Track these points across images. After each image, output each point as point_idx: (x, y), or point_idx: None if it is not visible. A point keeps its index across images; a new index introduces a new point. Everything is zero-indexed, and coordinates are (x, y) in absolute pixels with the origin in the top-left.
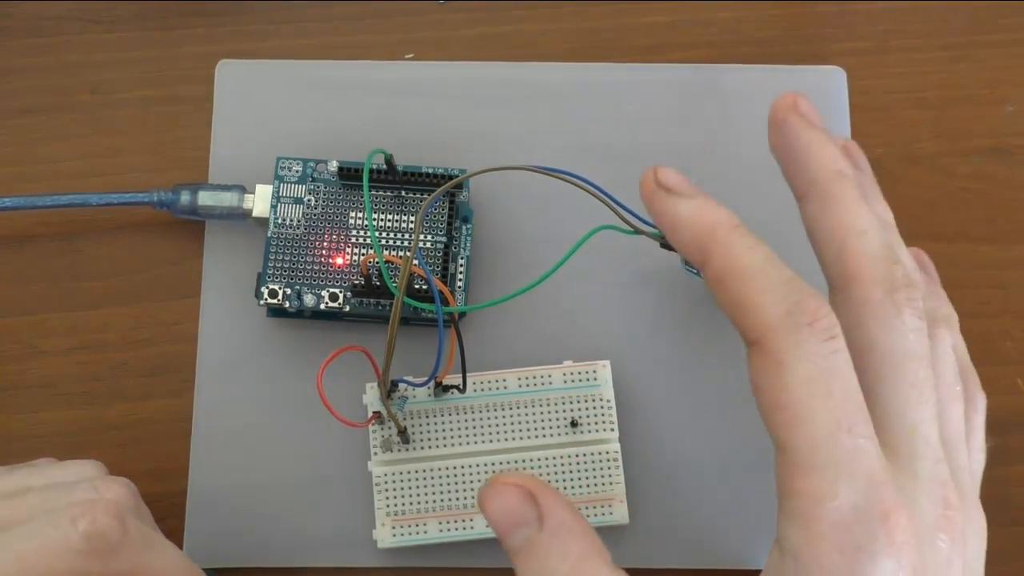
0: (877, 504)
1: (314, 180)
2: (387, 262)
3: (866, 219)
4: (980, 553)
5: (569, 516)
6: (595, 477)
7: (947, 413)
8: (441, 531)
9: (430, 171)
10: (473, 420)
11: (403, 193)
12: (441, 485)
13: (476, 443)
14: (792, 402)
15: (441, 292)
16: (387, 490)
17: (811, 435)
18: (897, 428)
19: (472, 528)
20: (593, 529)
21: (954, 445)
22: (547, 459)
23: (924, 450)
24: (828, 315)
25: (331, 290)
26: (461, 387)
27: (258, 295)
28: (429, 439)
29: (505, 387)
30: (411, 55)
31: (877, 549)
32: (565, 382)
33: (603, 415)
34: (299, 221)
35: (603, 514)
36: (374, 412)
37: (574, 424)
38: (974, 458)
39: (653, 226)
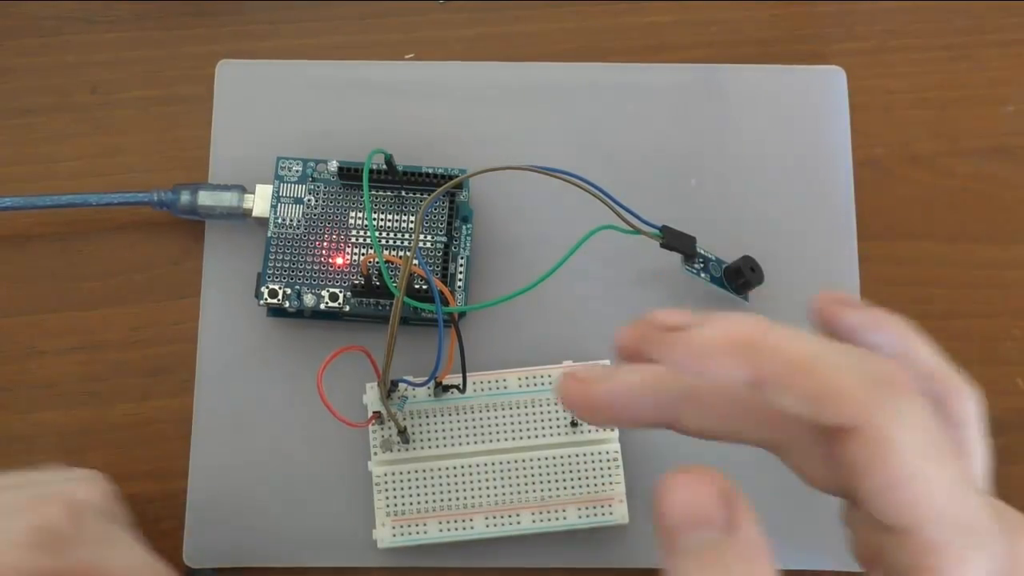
0: (1016, 563)
1: (314, 180)
2: (387, 262)
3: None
4: None
5: (760, 534)
6: (595, 477)
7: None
8: (441, 531)
9: (430, 171)
10: (473, 420)
11: (403, 193)
12: (441, 485)
13: (476, 443)
14: (909, 478)
15: (441, 292)
16: (387, 490)
17: (937, 507)
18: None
19: (472, 528)
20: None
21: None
22: (547, 459)
23: (983, 523)
24: (901, 370)
25: (331, 290)
26: (461, 387)
27: (258, 295)
28: (429, 439)
29: (505, 387)
30: (411, 55)
31: None
32: None
33: None
34: (299, 221)
35: (603, 514)
36: (374, 412)
37: (574, 424)
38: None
39: (653, 226)
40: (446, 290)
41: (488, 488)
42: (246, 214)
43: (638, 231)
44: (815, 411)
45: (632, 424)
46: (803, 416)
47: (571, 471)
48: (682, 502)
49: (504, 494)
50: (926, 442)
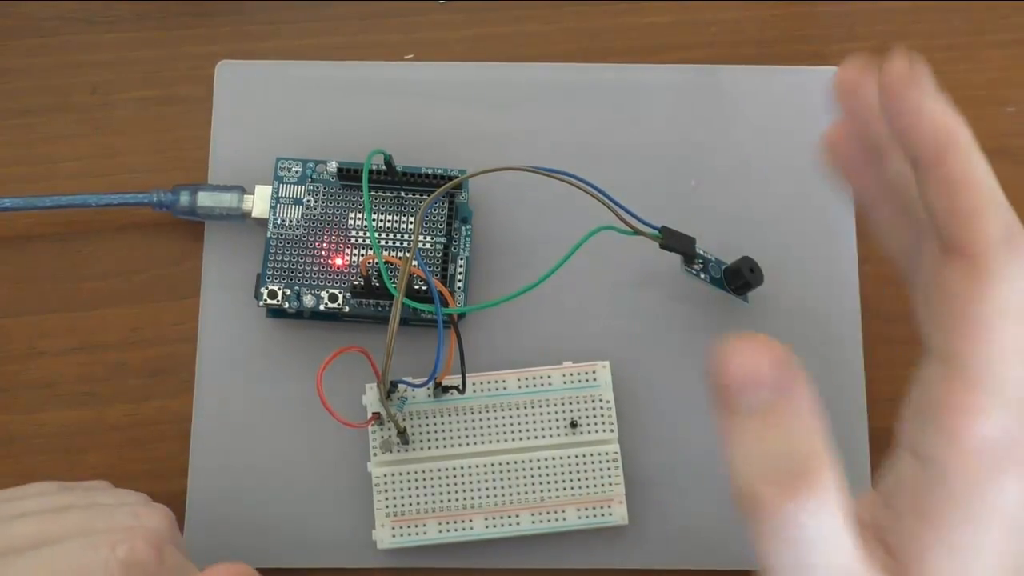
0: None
1: (313, 181)
2: (386, 263)
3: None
4: None
5: (813, 396)
6: (595, 477)
7: None
8: (441, 532)
9: (429, 172)
10: (473, 421)
11: (402, 194)
12: (441, 486)
13: (476, 444)
14: (985, 316)
15: (440, 293)
16: (387, 491)
17: (991, 354)
18: None
19: (472, 529)
20: None
21: None
22: (547, 460)
23: None
24: None
25: (330, 291)
26: (461, 388)
27: (258, 296)
28: (429, 440)
29: (505, 388)
30: (411, 55)
31: (1017, 471)
32: (565, 383)
33: (603, 416)
34: (298, 222)
35: (603, 514)
36: (374, 413)
37: (574, 425)
38: None
39: (653, 227)
40: (445, 291)
41: (488, 489)
42: (245, 215)
43: (638, 232)
44: (949, 222)
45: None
46: (936, 215)
47: (571, 472)
48: (741, 365)
49: (504, 495)
50: (1017, 303)
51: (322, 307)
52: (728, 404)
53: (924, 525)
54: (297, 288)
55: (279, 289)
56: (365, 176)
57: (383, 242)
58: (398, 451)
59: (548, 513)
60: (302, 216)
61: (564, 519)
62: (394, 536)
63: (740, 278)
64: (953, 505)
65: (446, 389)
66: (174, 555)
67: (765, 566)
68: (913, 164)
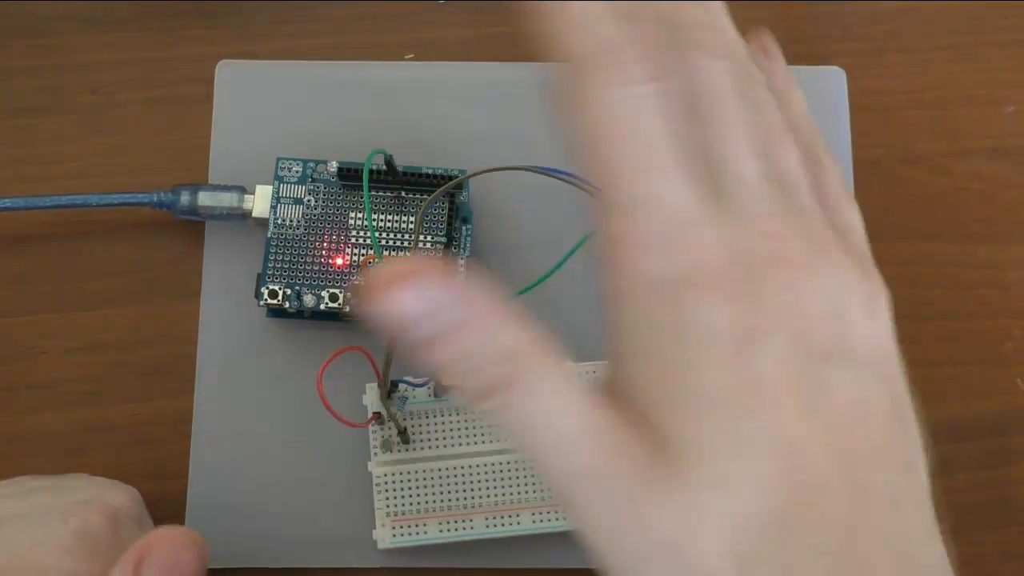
0: (682, 244)
1: (314, 181)
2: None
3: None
4: (880, 314)
5: (487, 295)
6: None
7: (772, 153)
8: (441, 531)
9: (430, 171)
10: (473, 420)
11: (403, 193)
12: (441, 485)
13: (476, 443)
14: (598, 141)
15: None
16: (387, 490)
17: (621, 173)
18: (713, 171)
19: (472, 529)
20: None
21: (790, 187)
22: None
23: (736, 187)
24: (639, 60)
25: (331, 290)
26: None
27: (258, 295)
28: (429, 439)
29: None
30: (411, 55)
31: (691, 287)
32: None
33: None
34: (299, 221)
35: None
36: (374, 412)
37: None
38: (840, 214)
39: None
40: None
41: (488, 488)
42: (246, 215)
43: None
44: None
45: None
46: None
47: None
48: (403, 300)
49: (504, 494)
50: (620, 117)
51: (323, 307)
52: (416, 334)
53: (634, 362)
54: (298, 288)
55: (280, 289)
56: (366, 176)
57: (384, 242)
58: (398, 451)
59: (549, 513)
60: (303, 216)
61: (565, 519)
62: (394, 536)
63: None
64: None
65: (447, 388)
66: (131, 530)
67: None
68: None
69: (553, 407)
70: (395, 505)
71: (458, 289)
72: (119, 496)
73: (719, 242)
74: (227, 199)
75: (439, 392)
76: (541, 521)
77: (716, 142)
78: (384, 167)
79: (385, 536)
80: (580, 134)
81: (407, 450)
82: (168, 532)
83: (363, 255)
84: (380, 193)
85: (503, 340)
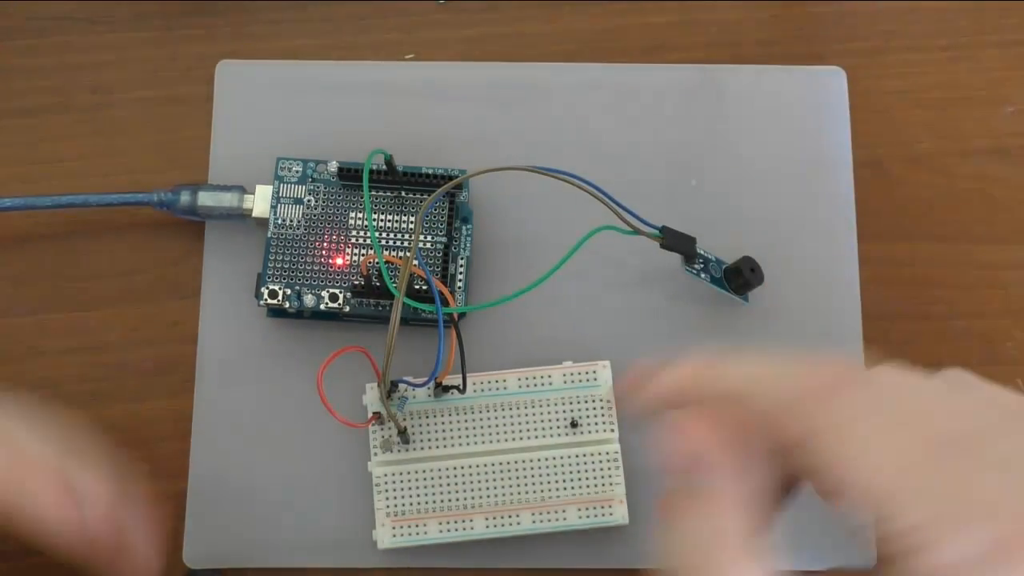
0: (1008, 539)
1: (314, 180)
2: (387, 262)
3: None
4: None
5: (740, 490)
6: (595, 477)
7: None
8: (441, 531)
9: (430, 171)
10: (473, 420)
11: (403, 193)
12: (441, 485)
13: (476, 443)
14: (863, 470)
15: (441, 292)
16: (387, 490)
17: (899, 492)
18: None
19: (472, 528)
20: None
21: None
22: (547, 459)
23: None
24: (843, 364)
25: (331, 290)
26: (461, 387)
27: (258, 295)
28: (429, 439)
29: (505, 387)
30: (411, 55)
31: None
32: (565, 382)
33: (603, 415)
34: (299, 221)
35: (603, 514)
36: (374, 412)
37: (574, 424)
38: None
39: (653, 226)
40: (446, 290)
41: (488, 488)
42: (246, 214)
43: (638, 231)
44: (768, 434)
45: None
46: (760, 442)
47: (571, 471)
48: (676, 447)
49: (504, 494)
50: (877, 428)
51: (323, 307)
52: (673, 478)
53: None
54: (298, 288)
55: (280, 289)
56: (366, 176)
57: (383, 242)
58: (398, 451)
59: (549, 513)
60: (303, 216)
61: (565, 519)
62: (394, 536)
63: (740, 278)
64: None
65: (447, 389)
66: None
67: None
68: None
69: None
70: (395, 505)
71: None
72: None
73: None
74: (227, 199)
75: (439, 392)
76: (541, 521)
77: None
78: (384, 167)
79: (385, 536)
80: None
81: (407, 450)
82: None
83: (363, 255)
84: (380, 193)
85: (727, 536)
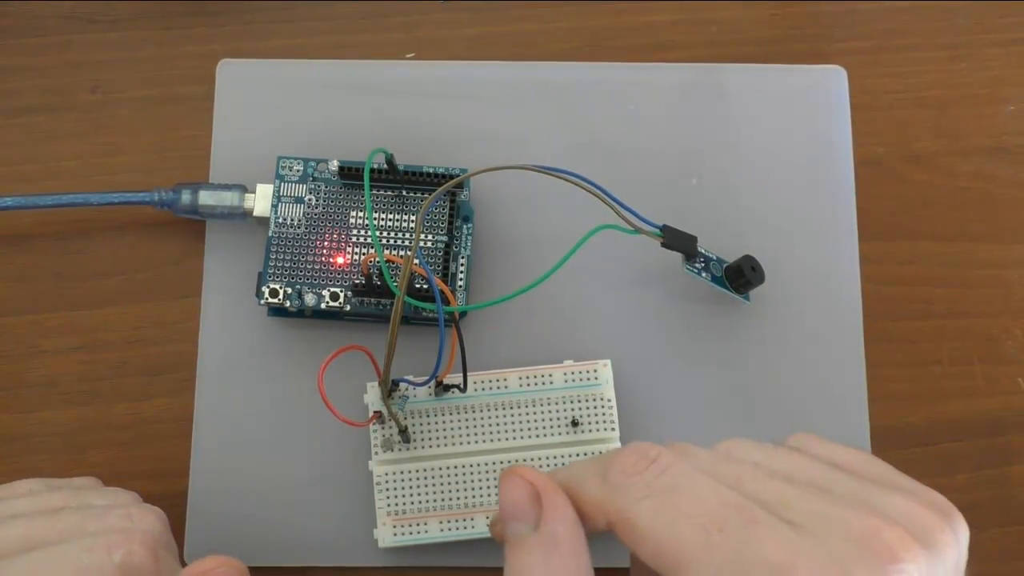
0: None
1: (315, 179)
2: (388, 261)
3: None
4: None
5: (565, 530)
6: None
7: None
8: (442, 530)
9: (431, 171)
10: (474, 419)
11: (404, 192)
12: (442, 484)
13: (477, 442)
14: (659, 543)
15: (442, 291)
16: (388, 489)
17: (693, 559)
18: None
19: (473, 528)
20: (586, 552)
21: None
22: (548, 458)
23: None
24: (638, 448)
25: (332, 289)
26: (462, 386)
27: (259, 294)
28: (430, 438)
29: (506, 386)
30: (411, 55)
31: None
32: (566, 381)
33: (604, 414)
34: (300, 220)
35: None
36: (375, 411)
37: (575, 423)
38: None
39: (654, 225)
40: (447, 289)
41: (489, 488)
42: (247, 213)
43: (638, 230)
44: (588, 529)
45: None
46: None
47: None
48: (504, 498)
49: None
50: (665, 503)
51: (323, 306)
52: (502, 529)
53: None
54: (298, 287)
55: (280, 288)
56: (367, 175)
57: (384, 241)
58: (399, 450)
59: None
60: (303, 215)
61: None
62: (395, 534)
63: (741, 277)
64: None
65: (447, 388)
66: (167, 559)
67: None
68: None
69: None
70: (396, 504)
71: (540, 507)
72: (150, 520)
73: (811, 564)
74: (228, 198)
75: (440, 391)
76: None
77: None
78: (385, 166)
79: (386, 535)
80: (645, 545)
81: (408, 449)
82: (215, 564)
83: (364, 254)
84: (381, 192)
85: None
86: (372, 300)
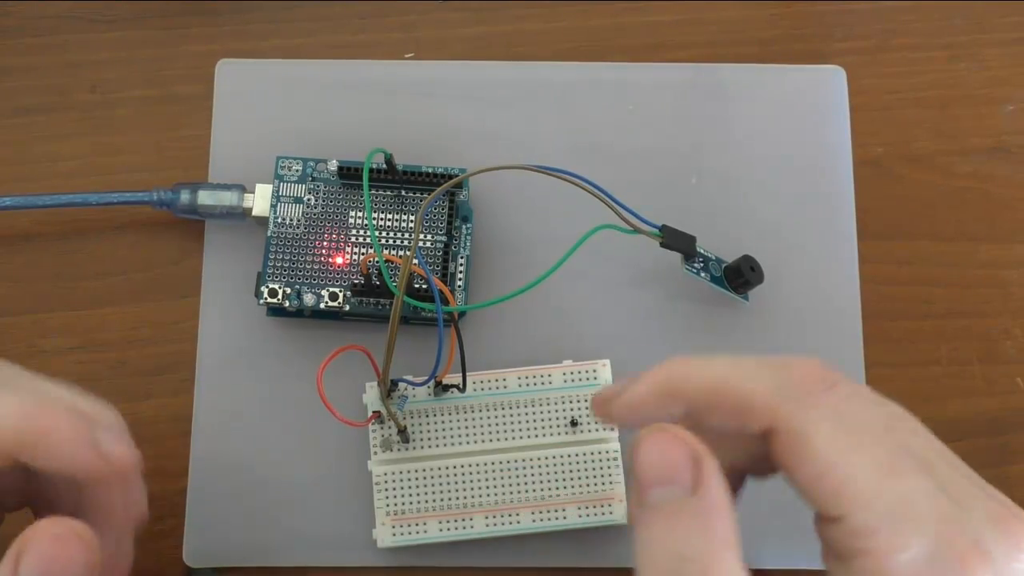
0: (950, 549)
1: (314, 179)
2: (387, 261)
3: None
4: None
5: (722, 497)
6: (595, 476)
7: None
8: (441, 530)
9: (430, 170)
10: (473, 419)
11: (403, 192)
12: (441, 484)
13: (476, 442)
14: (829, 467)
15: (441, 291)
16: (387, 489)
17: (861, 493)
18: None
19: (472, 528)
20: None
21: None
22: (547, 458)
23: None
24: (818, 365)
25: (331, 289)
26: (461, 386)
27: (258, 294)
28: (429, 438)
29: (505, 386)
30: (411, 54)
31: None
32: (565, 381)
33: None
34: (299, 220)
35: (603, 514)
36: (374, 411)
37: (574, 423)
38: None
39: (653, 225)
40: (446, 289)
41: (488, 488)
42: (246, 213)
43: (638, 230)
44: (736, 422)
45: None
46: (734, 431)
47: (571, 471)
48: (650, 456)
49: (504, 494)
50: (844, 430)
51: (322, 306)
52: (640, 496)
53: None
54: (297, 287)
55: (279, 288)
56: (366, 175)
57: (383, 241)
58: (398, 450)
59: (548, 512)
60: (303, 215)
61: (564, 518)
62: (394, 535)
63: (740, 276)
64: None
65: (446, 388)
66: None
67: None
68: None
69: None
70: (395, 504)
71: (696, 470)
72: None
73: (976, 544)
74: (227, 198)
75: (439, 391)
76: (541, 520)
77: None
78: (384, 166)
79: (385, 535)
80: (811, 464)
81: (407, 449)
82: (49, 524)
83: (363, 254)
84: (380, 192)
85: (710, 549)
86: (371, 300)
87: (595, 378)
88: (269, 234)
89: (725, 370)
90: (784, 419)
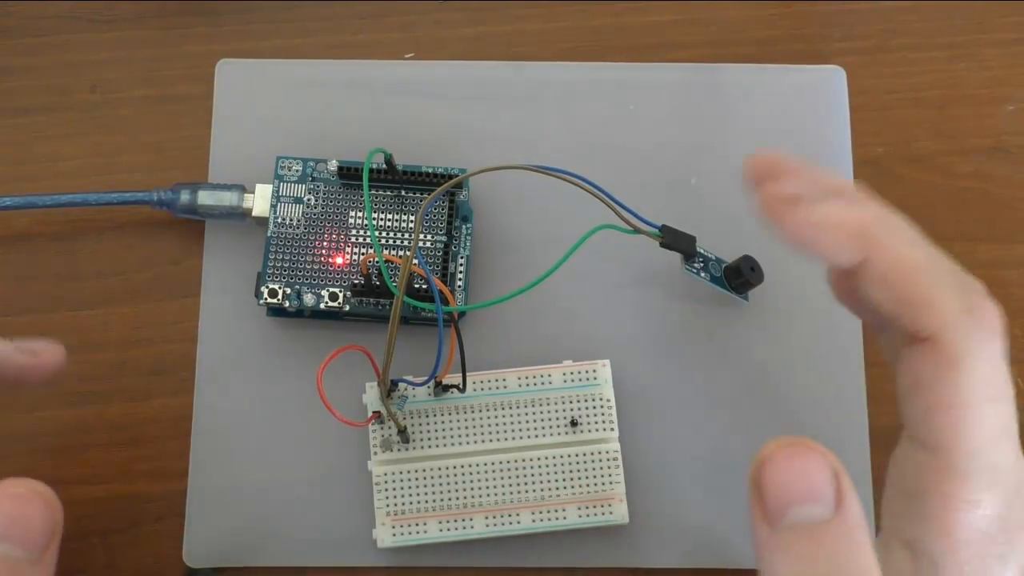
0: (1020, 515)
1: (314, 179)
2: (387, 261)
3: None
4: None
5: (863, 511)
6: (595, 477)
7: None
8: (441, 530)
9: (430, 170)
10: (473, 419)
11: (403, 192)
12: (441, 484)
13: (476, 443)
14: (962, 404)
15: (441, 291)
16: (387, 489)
17: (976, 440)
18: None
19: (472, 528)
20: None
21: None
22: (547, 459)
23: None
24: (1000, 317)
25: (331, 289)
26: (461, 386)
27: (258, 295)
28: (429, 438)
29: (505, 386)
30: (411, 55)
31: (1015, 559)
32: (565, 381)
33: (603, 414)
34: (299, 220)
35: (603, 514)
36: (374, 411)
37: (574, 423)
38: None
39: (653, 225)
40: (446, 290)
41: (488, 488)
42: (246, 213)
43: (638, 231)
44: (900, 313)
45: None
46: (887, 312)
47: (571, 471)
48: (794, 476)
49: (504, 494)
50: (990, 381)
51: (322, 306)
52: (773, 517)
53: None
54: (297, 287)
55: (279, 288)
56: (366, 175)
57: (383, 241)
58: (398, 450)
59: (548, 512)
60: (303, 215)
61: (564, 518)
62: (394, 535)
63: (740, 277)
64: None
65: (446, 388)
66: None
67: None
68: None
69: None
70: (395, 504)
71: (839, 487)
72: None
73: None
74: (227, 198)
75: (439, 392)
76: (541, 520)
77: None
78: (384, 166)
79: (385, 535)
80: (949, 392)
81: (407, 449)
82: (9, 484)
83: (363, 254)
84: (380, 192)
85: (860, 566)
86: (371, 300)
87: (595, 378)
88: (269, 234)
89: (920, 260)
90: (950, 341)
